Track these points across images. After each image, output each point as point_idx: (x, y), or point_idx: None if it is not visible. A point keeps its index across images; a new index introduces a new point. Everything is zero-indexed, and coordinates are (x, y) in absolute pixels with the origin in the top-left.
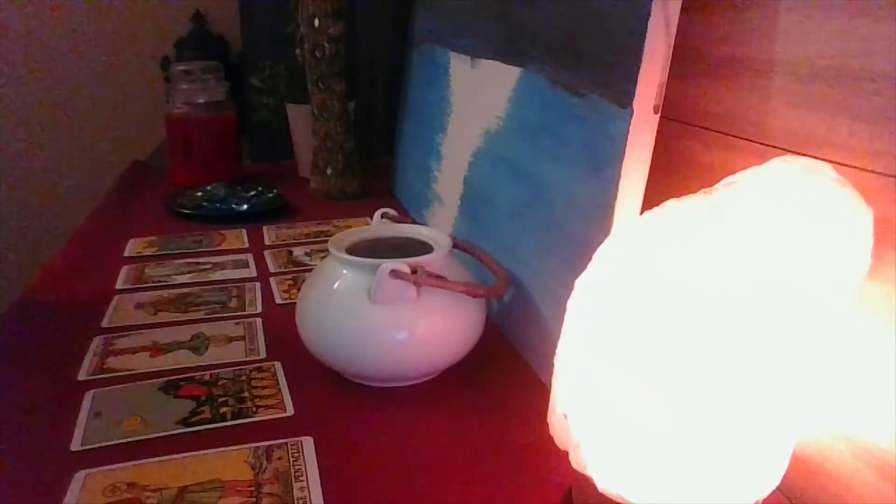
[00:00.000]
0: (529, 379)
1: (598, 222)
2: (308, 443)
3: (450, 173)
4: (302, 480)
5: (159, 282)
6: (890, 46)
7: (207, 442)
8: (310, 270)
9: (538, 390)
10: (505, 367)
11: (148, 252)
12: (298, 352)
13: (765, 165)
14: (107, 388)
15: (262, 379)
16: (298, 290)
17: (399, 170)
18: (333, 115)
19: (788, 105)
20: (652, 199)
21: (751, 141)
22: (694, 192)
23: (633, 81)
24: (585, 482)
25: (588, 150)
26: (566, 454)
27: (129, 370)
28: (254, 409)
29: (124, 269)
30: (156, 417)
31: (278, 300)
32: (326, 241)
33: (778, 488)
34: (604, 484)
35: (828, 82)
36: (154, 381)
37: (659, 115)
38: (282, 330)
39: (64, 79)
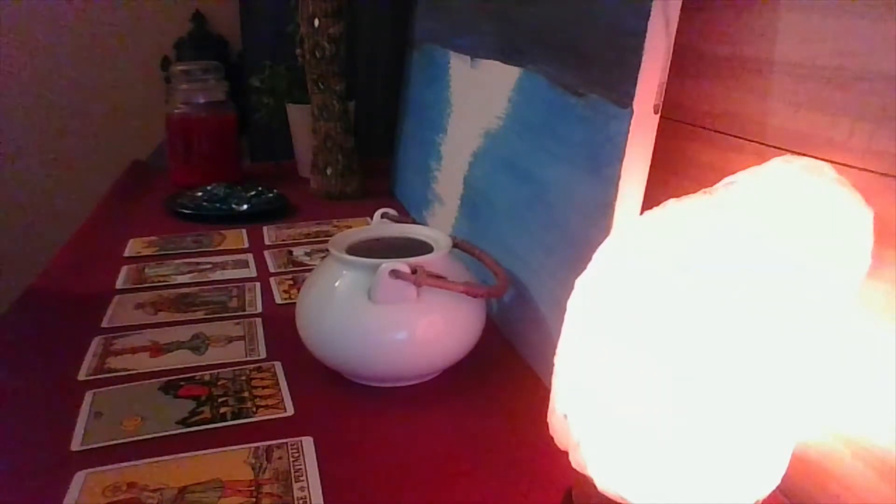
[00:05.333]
0: (529, 379)
1: (598, 222)
2: (308, 443)
3: (450, 173)
4: (302, 480)
5: (159, 282)
6: (890, 46)
7: (207, 442)
8: (310, 270)
9: (538, 390)
10: (505, 367)
11: (148, 252)
12: (298, 352)
13: (765, 165)
14: (107, 388)
15: (262, 379)
16: (298, 290)
17: (399, 170)
18: (333, 115)
19: (788, 105)
20: (652, 199)
21: (751, 141)
22: (694, 192)
23: (633, 81)
24: (585, 482)
25: (588, 150)
26: (566, 454)
27: (129, 370)
28: (254, 409)
29: (124, 269)
30: (156, 417)
31: (278, 300)
32: (326, 241)
33: (778, 488)
34: (604, 484)
35: (828, 82)
36: (154, 381)
37: (659, 115)
38: (282, 330)
39: (64, 79)
